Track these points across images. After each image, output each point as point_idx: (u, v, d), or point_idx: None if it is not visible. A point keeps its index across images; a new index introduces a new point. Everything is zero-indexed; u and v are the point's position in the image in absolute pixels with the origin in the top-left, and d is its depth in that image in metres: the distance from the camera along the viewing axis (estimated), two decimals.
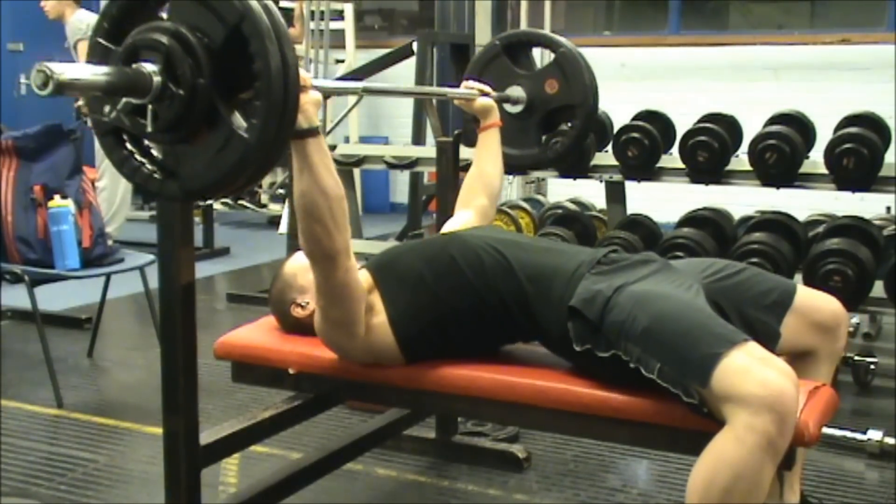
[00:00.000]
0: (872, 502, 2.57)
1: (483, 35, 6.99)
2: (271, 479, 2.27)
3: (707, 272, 1.99)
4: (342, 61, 7.34)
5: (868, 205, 4.16)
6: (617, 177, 3.83)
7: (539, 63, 2.78)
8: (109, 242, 3.63)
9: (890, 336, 3.84)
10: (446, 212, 2.68)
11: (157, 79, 1.33)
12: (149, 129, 1.37)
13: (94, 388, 3.52)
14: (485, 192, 2.41)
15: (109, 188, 5.70)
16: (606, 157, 3.81)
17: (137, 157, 1.45)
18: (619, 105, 4.24)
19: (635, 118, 3.84)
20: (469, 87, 2.45)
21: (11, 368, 3.57)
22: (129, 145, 1.45)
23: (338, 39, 7.20)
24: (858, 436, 2.84)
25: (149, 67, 1.33)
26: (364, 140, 7.06)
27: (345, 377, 2.04)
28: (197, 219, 5.16)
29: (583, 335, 1.79)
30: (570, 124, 2.61)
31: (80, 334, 4.02)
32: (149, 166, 1.44)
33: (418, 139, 5.50)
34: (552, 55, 2.58)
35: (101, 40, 1.42)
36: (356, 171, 4.97)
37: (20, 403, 3.24)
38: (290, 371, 2.09)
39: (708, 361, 1.59)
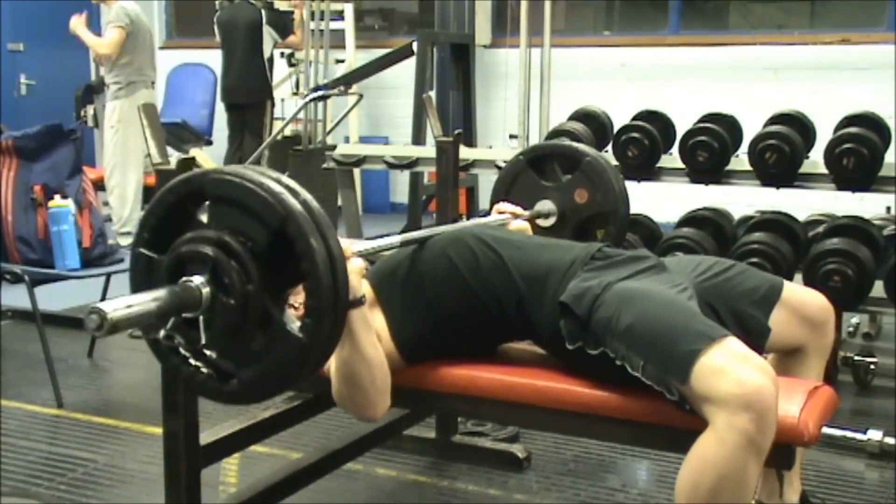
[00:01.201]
0: (872, 502, 2.57)
1: (483, 35, 7.01)
2: (271, 479, 2.27)
3: (697, 271, 2.00)
4: (342, 61, 7.34)
5: (868, 205, 4.16)
6: None
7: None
8: (122, 242, 3.63)
9: (890, 336, 3.84)
10: (446, 212, 2.68)
11: (205, 290, 1.33)
12: (203, 340, 1.37)
13: (94, 388, 3.52)
14: None
15: (120, 185, 5.70)
16: (606, 157, 3.81)
17: (192, 361, 1.43)
18: (619, 105, 4.25)
19: (635, 118, 3.84)
20: (501, 211, 2.41)
21: (11, 368, 3.57)
22: (182, 349, 1.44)
23: (338, 39, 7.20)
24: (858, 436, 2.84)
25: (197, 280, 1.33)
26: (364, 140, 7.05)
27: None
28: None
29: (573, 332, 1.80)
30: (604, 231, 2.55)
31: (80, 334, 4.01)
32: (206, 370, 1.43)
33: (418, 139, 5.51)
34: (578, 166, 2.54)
35: (143, 251, 1.42)
36: (356, 171, 4.97)
37: (20, 403, 3.24)
38: None
39: (687, 358, 1.60)
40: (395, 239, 1.94)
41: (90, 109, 6.98)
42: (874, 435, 2.82)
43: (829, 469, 2.73)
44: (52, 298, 3.91)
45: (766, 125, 3.62)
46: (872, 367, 3.39)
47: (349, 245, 1.69)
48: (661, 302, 1.75)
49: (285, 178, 1.40)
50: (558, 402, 1.84)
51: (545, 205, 2.52)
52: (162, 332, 1.39)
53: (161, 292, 1.32)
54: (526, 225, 2.41)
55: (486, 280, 1.91)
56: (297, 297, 2.06)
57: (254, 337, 1.38)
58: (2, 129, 3.52)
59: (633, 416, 1.76)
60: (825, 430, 2.31)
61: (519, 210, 2.42)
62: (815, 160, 3.48)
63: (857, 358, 3.40)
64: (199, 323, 1.36)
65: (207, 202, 1.42)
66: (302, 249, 1.33)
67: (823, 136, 3.50)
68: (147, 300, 1.29)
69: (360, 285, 1.74)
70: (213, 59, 7.18)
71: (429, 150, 4.02)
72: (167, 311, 1.32)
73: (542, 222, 2.54)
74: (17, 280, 3.28)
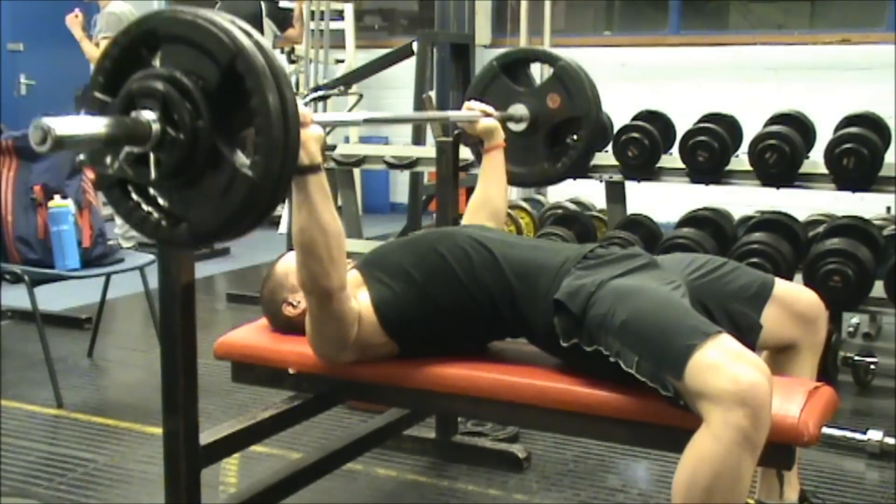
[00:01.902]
0: (872, 502, 2.57)
1: (483, 35, 7.01)
2: (271, 479, 2.27)
3: (689, 268, 2.01)
4: (342, 61, 7.34)
5: (868, 205, 4.16)
6: (617, 177, 3.83)
7: (539, 78, 2.77)
8: (120, 243, 3.63)
9: (890, 336, 3.84)
10: (446, 212, 2.68)
11: (155, 126, 1.33)
12: (152, 176, 1.36)
13: (94, 388, 3.52)
14: (492, 217, 2.40)
15: None
16: (606, 157, 3.81)
17: (144, 206, 1.44)
18: (619, 105, 4.24)
19: (635, 118, 3.84)
20: (471, 108, 2.44)
21: (11, 368, 3.57)
22: (134, 196, 1.44)
23: (338, 39, 7.20)
24: (858, 436, 2.84)
25: (147, 115, 1.33)
26: (364, 140, 7.05)
27: (345, 377, 2.04)
28: None
29: (568, 330, 1.81)
30: (575, 137, 2.59)
31: (80, 334, 4.02)
32: (156, 215, 1.43)
33: (418, 139, 5.50)
34: (551, 70, 2.57)
35: (98, 94, 1.42)
36: (356, 171, 4.97)
37: (20, 403, 3.24)
38: (290, 371, 2.09)
39: (682, 354, 1.60)
40: (359, 115, 1.95)
41: None
42: (874, 435, 2.82)
43: (829, 469, 2.73)
44: (52, 298, 3.91)
45: (766, 125, 3.62)
46: (872, 367, 3.39)
47: (308, 112, 1.71)
48: (655, 299, 1.76)
49: (240, 22, 1.39)
50: (558, 402, 1.84)
51: (517, 109, 2.55)
52: (112, 162, 1.38)
53: (110, 119, 1.32)
54: (496, 124, 2.45)
55: (478, 277, 1.92)
56: (296, 296, 2.08)
57: (203, 177, 1.38)
58: (2, 129, 3.51)
59: (632, 416, 1.76)
60: (825, 430, 2.32)
61: (490, 109, 2.45)
62: (815, 160, 3.47)
63: (857, 358, 3.40)
64: (148, 159, 1.36)
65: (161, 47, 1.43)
66: (251, 85, 1.33)
67: (823, 136, 3.50)
68: (95, 124, 1.29)
69: (319, 152, 1.75)
70: None
71: (429, 150, 4.02)
72: (115, 138, 1.31)
73: (513, 126, 2.56)
74: (17, 280, 3.28)
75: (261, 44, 1.36)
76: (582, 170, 3.78)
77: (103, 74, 1.43)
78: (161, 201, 1.44)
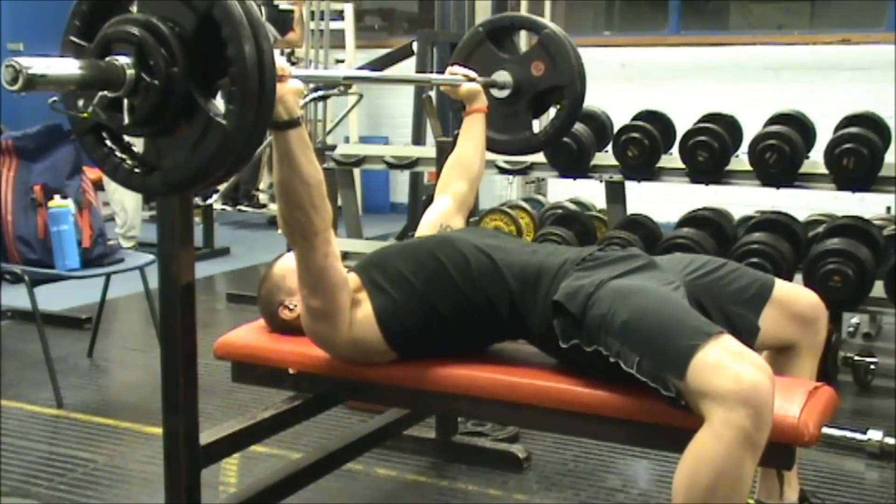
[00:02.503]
0: (872, 502, 2.57)
1: None
2: (271, 479, 2.27)
3: (688, 269, 2.00)
4: (342, 61, 7.34)
5: (868, 205, 4.16)
6: (617, 177, 3.83)
7: (524, 47, 2.76)
8: (121, 243, 3.63)
9: (890, 336, 3.84)
10: None
11: (130, 71, 1.32)
12: (126, 122, 1.36)
13: (94, 388, 3.52)
14: (464, 176, 2.41)
15: (122, 189, 5.65)
16: (606, 157, 3.81)
17: (118, 153, 1.44)
18: (619, 105, 4.25)
19: (635, 118, 3.84)
20: (454, 72, 2.45)
21: (11, 368, 3.57)
22: (108, 143, 1.44)
23: (338, 39, 7.20)
24: (858, 436, 2.84)
25: (122, 60, 1.32)
26: (364, 140, 7.06)
27: (345, 377, 2.04)
28: (197, 219, 5.16)
29: (567, 331, 1.80)
30: (558, 106, 2.59)
31: (80, 334, 4.02)
32: (129, 162, 1.43)
33: (418, 139, 5.50)
34: (536, 38, 2.57)
35: (73, 38, 1.41)
36: (356, 171, 4.97)
37: (20, 403, 3.24)
38: (290, 371, 2.09)
39: (684, 353, 1.60)
40: (340, 72, 1.93)
41: None
42: (874, 435, 2.82)
43: (829, 469, 2.73)
44: (52, 298, 3.91)
45: (766, 125, 3.62)
46: (872, 367, 3.39)
47: (287, 66, 1.71)
48: (655, 298, 1.75)
49: None
50: (558, 402, 1.84)
51: (501, 75, 2.55)
52: (84, 105, 1.37)
53: (84, 62, 1.31)
54: (479, 88, 2.45)
55: (476, 281, 1.92)
56: (293, 299, 2.08)
57: (177, 125, 1.37)
58: (2, 129, 3.51)
59: (633, 416, 1.76)
60: (825, 430, 2.31)
61: (472, 74, 2.45)
62: (815, 160, 3.48)
63: (857, 358, 3.40)
64: (122, 105, 1.35)
65: None
66: (228, 33, 1.32)
67: (823, 136, 3.50)
68: (69, 66, 1.28)
69: (297, 106, 1.75)
70: None
71: (429, 150, 4.02)
72: (89, 81, 1.30)
73: (496, 93, 2.56)
74: (17, 280, 3.28)
75: None
76: (581, 168, 3.79)
77: (80, 18, 1.42)
78: (135, 150, 1.44)
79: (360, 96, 5.97)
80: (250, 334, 2.22)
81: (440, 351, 1.99)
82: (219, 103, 1.39)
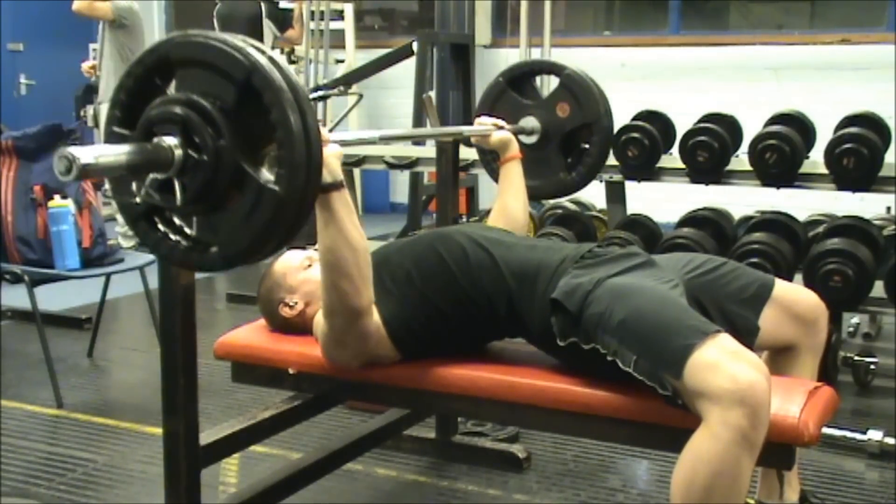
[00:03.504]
0: (872, 502, 2.57)
1: (483, 35, 7.01)
2: (271, 479, 2.27)
3: (687, 268, 2.00)
4: (342, 61, 7.35)
5: (868, 205, 4.16)
6: (617, 177, 3.83)
7: (546, 89, 2.75)
8: (120, 243, 3.63)
9: (890, 336, 3.84)
10: (446, 212, 2.69)
11: (177, 151, 1.32)
12: (178, 202, 1.35)
13: (94, 388, 3.52)
14: (511, 226, 2.35)
15: None
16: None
17: (172, 236, 1.43)
18: (619, 105, 4.23)
19: (635, 118, 3.84)
20: (482, 123, 2.42)
21: (11, 368, 3.57)
22: (161, 226, 1.43)
23: (338, 39, 7.20)
24: (858, 436, 2.84)
25: (168, 140, 1.33)
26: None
27: (345, 377, 2.04)
28: None
29: (565, 329, 1.80)
30: (587, 144, 2.58)
31: (80, 334, 4.02)
32: (185, 243, 1.42)
33: (418, 139, 5.50)
34: (557, 80, 2.57)
35: (116, 129, 1.41)
36: (356, 171, 4.97)
37: (20, 403, 3.24)
38: (290, 371, 2.09)
39: (681, 353, 1.60)
40: (375, 134, 1.94)
41: (90, 109, 6.96)
42: (874, 435, 2.82)
43: (829, 469, 2.73)
44: (52, 298, 3.91)
45: (766, 125, 3.62)
46: (872, 367, 3.39)
47: (325, 132, 1.70)
48: (653, 297, 1.75)
49: (251, 40, 1.38)
50: (558, 402, 1.84)
51: (528, 121, 2.54)
52: (137, 189, 1.37)
53: (132, 146, 1.31)
54: (510, 136, 2.44)
55: (475, 277, 1.92)
56: (294, 296, 2.07)
57: (229, 197, 1.37)
58: (2, 129, 3.52)
59: (632, 416, 1.76)
60: (825, 430, 2.31)
61: (501, 122, 2.44)
62: (815, 160, 3.48)
63: (857, 358, 3.40)
64: (173, 185, 1.35)
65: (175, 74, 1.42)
66: (270, 99, 1.32)
67: (823, 136, 3.50)
68: (118, 152, 1.29)
69: (340, 169, 1.75)
70: None
71: (429, 150, 4.02)
72: (138, 165, 1.30)
73: (525, 139, 2.55)
74: (17, 280, 3.28)
75: (275, 59, 1.35)
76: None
77: (120, 108, 1.42)
78: (188, 229, 1.42)
79: (360, 96, 5.97)
80: (250, 334, 2.22)
81: (442, 349, 1.98)
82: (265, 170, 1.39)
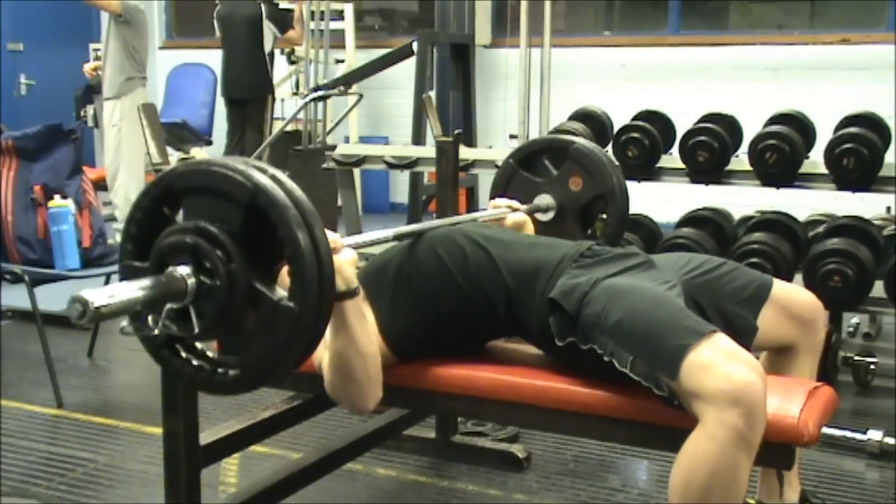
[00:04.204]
0: (872, 502, 2.57)
1: (483, 35, 7.01)
2: (271, 479, 2.27)
3: (686, 268, 2.00)
4: (342, 61, 7.34)
5: (868, 205, 4.15)
6: None
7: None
8: (116, 242, 3.63)
9: (890, 336, 3.84)
10: (446, 212, 2.68)
11: (190, 279, 1.35)
12: (196, 329, 1.37)
13: (94, 388, 3.52)
14: None
15: (125, 184, 5.62)
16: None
17: (194, 361, 1.45)
18: (619, 105, 4.24)
19: (635, 118, 3.84)
20: (497, 206, 2.40)
21: (11, 368, 3.57)
22: (183, 353, 1.46)
23: (338, 39, 7.20)
24: (858, 436, 2.84)
25: (181, 270, 1.35)
26: (364, 140, 7.05)
27: None
28: None
29: (563, 329, 1.80)
30: (604, 214, 2.55)
31: (80, 334, 4.02)
32: (208, 367, 1.44)
33: (418, 139, 5.51)
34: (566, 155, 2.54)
35: (130, 262, 1.44)
36: (356, 171, 4.97)
37: (20, 403, 3.24)
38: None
39: (676, 353, 1.60)
40: (389, 232, 1.94)
41: (90, 109, 6.98)
42: (874, 435, 2.82)
43: (829, 469, 2.73)
44: (52, 298, 3.89)
45: (766, 125, 3.62)
46: (872, 367, 3.39)
47: (338, 238, 1.71)
48: (649, 298, 1.75)
49: (252, 160, 1.42)
50: (558, 402, 1.84)
51: (543, 199, 2.52)
52: (154, 321, 1.39)
53: (146, 281, 1.33)
54: (525, 218, 2.42)
55: (474, 278, 1.92)
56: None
57: (246, 318, 1.39)
58: (2, 129, 3.52)
59: (632, 416, 1.76)
60: (825, 430, 2.31)
61: (515, 203, 2.42)
62: (815, 160, 3.47)
63: (857, 358, 3.40)
64: (189, 313, 1.37)
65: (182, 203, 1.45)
66: (276, 217, 1.34)
67: (823, 136, 3.49)
68: (132, 288, 1.31)
69: (354, 276, 1.74)
70: (213, 58, 7.18)
71: (429, 150, 4.02)
72: (153, 298, 1.33)
73: (542, 217, 2.54)
74: (17, 280, 3.29)
75: (277, 177, 1.38)
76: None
77: (131, 241, 1.45)
78: (210, 352, 1.45)
79: (360, 96, 5.97)
80: None
81: (440, 350, 1.98)
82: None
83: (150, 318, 1.40)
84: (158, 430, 2.11)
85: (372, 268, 2.02)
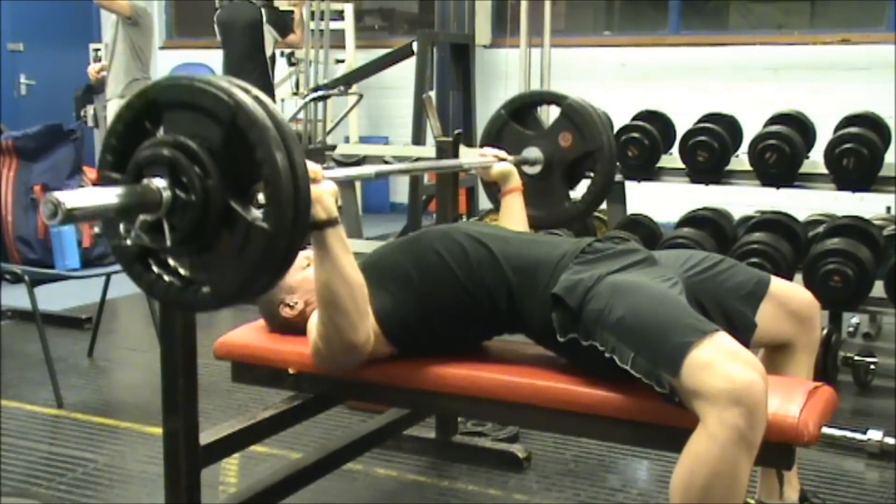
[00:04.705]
0: (872, 502, 2.57)
1: (483, 35, 7.01)
2: (271, 479, 2.27)
3: (686, 265, 2.01)
4: (342, 61, 7.35)
5: (868, 205, 4.16)
6: (617, 177, 3.83)
7: (548, 119, 2.76)
8: None
9: (890, 336, 3.84)
10: (446, 212, 2.69)
11: (166, 192, 1.34)
12: (168, 243, 1.36)
13: (94, 388, 3.52)
14: None
15: None
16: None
17: (165, 277, 1.44)
18: (619, 105, 4.25)
19: (635, 118, 3.84)
20: (484, 154, 2.43)
21: (11, 368, 3.57)
22: (155, 268, 1.44)
23: (338, 39, 7.20)
24: (858, 436, 2.84)
25: (157, 182, 1.34)
26: (364, 140, 7.06)
27: (345, 377, 2.04)
28: None
29: (565, 325, 1.81)
30: (592, 172, 2.58)
31: (80, 334, 4.02)
32: (178, 283, 1.43)
33: (418, 139, 5.51)
34: (559, 109, 2.57)
35: (108, 173, 1.43)
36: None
37: (20, 403, 3.24)
38: (290, 371, 2.09)
39: (678, 351, 1.60)
40: (371, 169, 1.95)
41: (90, 109, 6.99)
42: (874, 435, 2.82)
43: (829, 469, 2.73)
44: (52, 298, 3.91)
45: (766, 125, 3.62)
46: (872, 367, 3.39)
47: (319, 168, 1.71)
48: (652, 295, 1.76)
49: (238, 80, 1.40)
50: (558, 402, 1.84)
51: (531, 152, 2.54)
52: (126, 232, 1.39)
53: (120, 189, 1.33)
54: (511, 168, 2.44)
55: (476, 274, 1.92)
56: (293, 297, 2.07)
57: (219, 237, 1.38)
58: (2, 129, 3.52)
59: (632, 415, 1.76)
60: (825, 430, 2.32)
61: (502, 153, 2.44)
62: (815, 160, 3.48)
63: (857, 358, 3.40)
64: (163, 226, 1.36)
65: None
66: (254, 137, 1.33)
67: (823, 136, 3.50)
68: (106, 195, 1.30)
69: (334, 206, 1.75)
70: (214, 59, 7.17)
71: (429, 150, 4.03)
72: (126, 207, 1.32)
73: (528, 170, 2.55)
74: (17, 280, 3.29)
75: (260, 98, 1.36)
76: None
77: (111, 152, 1.43)
78: (181, 270, 1.43)
79: (360, 96, 5.98)
80: (250, 334, 2.22)
81: (440, 345, 1.98)
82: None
83: (122, 228, 1.39)
84: (158, 430, 2.11)
85: (368, 261, 2.03)
